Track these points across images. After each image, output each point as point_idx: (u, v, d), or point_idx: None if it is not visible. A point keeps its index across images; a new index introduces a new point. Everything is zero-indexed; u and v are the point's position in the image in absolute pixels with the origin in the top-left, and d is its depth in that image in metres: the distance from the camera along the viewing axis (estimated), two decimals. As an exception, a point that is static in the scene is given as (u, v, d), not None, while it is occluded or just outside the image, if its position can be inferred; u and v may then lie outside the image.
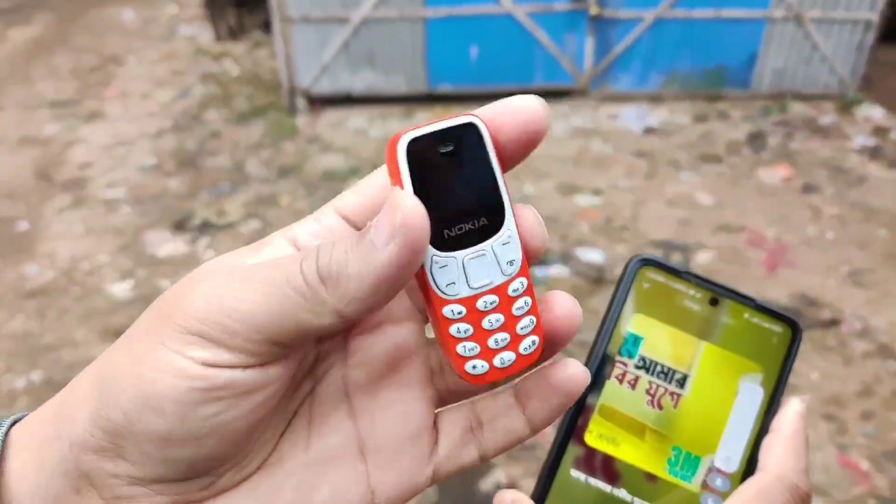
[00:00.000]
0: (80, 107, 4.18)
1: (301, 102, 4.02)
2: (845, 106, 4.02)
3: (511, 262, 0.24)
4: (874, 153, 3.60)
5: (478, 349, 0.24)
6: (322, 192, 3.27)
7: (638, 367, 0.32)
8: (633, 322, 0.33)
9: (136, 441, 0.20)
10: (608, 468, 0.32)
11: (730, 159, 3.56)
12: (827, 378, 2.16)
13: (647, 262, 0.33)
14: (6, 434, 0.23)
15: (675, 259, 2.79)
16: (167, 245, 2.90)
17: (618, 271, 2.72)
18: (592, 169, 3.56)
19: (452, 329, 0.24)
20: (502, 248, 0.24)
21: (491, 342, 0.24)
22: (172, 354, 0.20)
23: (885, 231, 2.96)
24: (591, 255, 2.82)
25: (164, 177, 3.43)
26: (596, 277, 2.67)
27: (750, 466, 0.32)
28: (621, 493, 0.31)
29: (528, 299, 0.25)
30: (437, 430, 0.26)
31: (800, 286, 2.59)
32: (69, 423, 0.21)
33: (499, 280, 0.24)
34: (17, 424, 0.23)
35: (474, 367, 0.24)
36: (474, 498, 1.81)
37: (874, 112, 3.96)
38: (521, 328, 0.25)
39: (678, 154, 3.61)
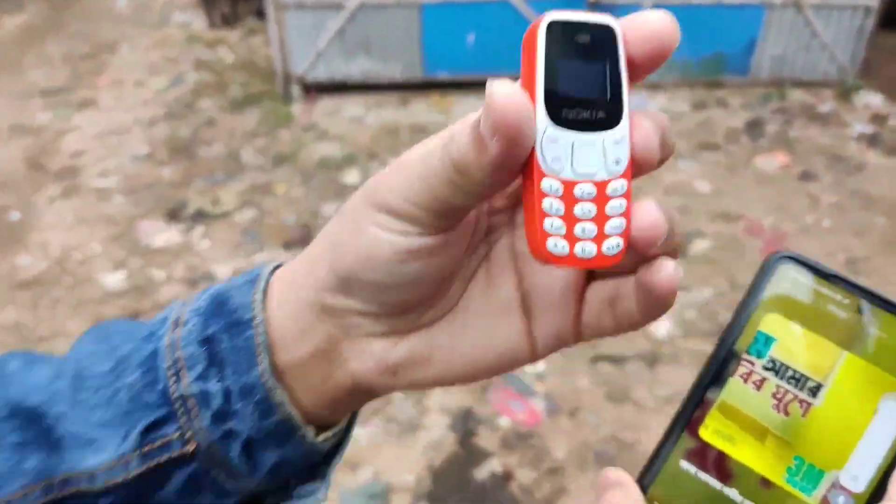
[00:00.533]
0: (72, 95, 4.14)
1: (296, 90, 3.98)
2: (844, 93, 4.00)
3: (617, 162, 0.25)
4: (873, 140, 3.58)
5: (564, 230, 0.25)
6: (318, 180, 3.25)
7: (766, 369, 0.30)
8: (766, 321, 0.30)
9: (360, 287, 0.28)
10: (721, 465, 0.30)
11: (728, 147, 3.54)
12: (824, 366, 2.16)
13: (790, 259, 0.31)
14: (270, 274, 0.32)
15: (673, 247, 2.78)
16: (161, 235, 2.88)
17: (615, 259, 2.71)
18: (590, 157, 3.54)
19: (545, 203, 0.24)
20: (613, 146, 0.25)
21: (577, 229, 0.25)
22: (379, 229, 0.26)
23: (883, 219, 2.95)
24: (588, 244, 2.81)
25: (158, 165, 3.40)
26: (593, 266, 2.66)
27: (879, 491, 0.29)
28: (732, 492, 0.30)
29: (624, 202, 0.25)
30: (584, 296, 0.29)
31: (797, 274, 2.58)
32: (313, 272, 0.29)
33: (602, 175, 0.25)
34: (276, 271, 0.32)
35: (556, 244, 0.25)
36: (469, 486, 1.81)
37: (873, 99, 3.93)
38: (610, 227, 0.25)
39: (677, 142, 3.58)
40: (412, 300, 0.28)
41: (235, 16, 5.09)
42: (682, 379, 2.11)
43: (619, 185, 0.25)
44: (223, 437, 0.29)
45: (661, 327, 2.34)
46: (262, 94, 4.09)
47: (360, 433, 1.96)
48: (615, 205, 0.25)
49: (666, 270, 0.26)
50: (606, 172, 0.24)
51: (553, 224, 0.25)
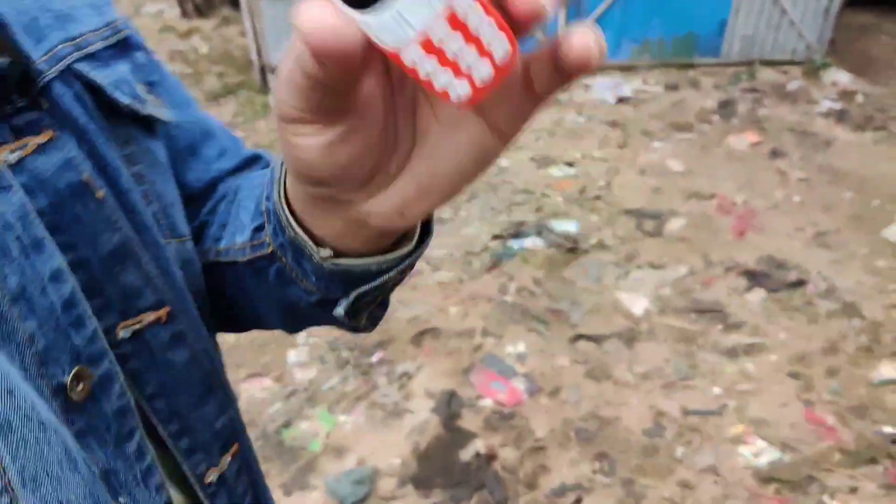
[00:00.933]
0: (43, 90, 4.08)
1: (273, 80, 3.96)
2: (812, 71, 4.07)
3: None
4: (840, 117, 3.66)
5: (452, 74, 0.24)
6: (296, 170, 3.25)
7: None
8: None
9: (315, 181, 0.30)
10: None
11: (700, 127, 3.60)
12: (793, 337, 2.23)
13: None
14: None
15: (648, 227, 2.83)
16: (140, 229, 2.87)
17: (592, 240, 2.76)
18: (566, 140, 3.57)
19: (421, 73, 0.24)
20: None
21: (463, 66, 0.24)
22: (294, 137, 0.28)
23: (850, 193, 3.03)
24: (566, 226, 2.85)
25: (134, 160, 3.38)
26: (570, 247, 2.70)
27: None
28: None
29: (477, 9, 0.23)
30: (529, 71, 0.29)
31: (767, 249, 2.65)
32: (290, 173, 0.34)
33: (438, 7, 0.23)
34: None
35: (456, 93, 0.25)
36: (454, 467, 1.85)
37: (840, 76, 4.01)
38: (488, 41, 0.24)
39: (650, 123, 3.64)
40: (365, 172, 0.30)
41: (209, 5, 5.03)
42: (659, 355, 2.17)
43: (462, 4, 0.23)
44: (280, 246, 0.39)
45: (638, 305, 2.40)
46: (239, 84, 4.06)
47: (344, 420, 2.00)
48: (473, 20, 0.24)
49: (581, 36, 0.25)
50: (442, 4, 0.23)
51: (440, 80, 0.24)
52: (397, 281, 0.40)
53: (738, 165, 3.26)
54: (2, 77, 0.33)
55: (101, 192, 0.36)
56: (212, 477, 0.42)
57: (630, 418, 1.95)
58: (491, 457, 1.86)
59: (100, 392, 0.34)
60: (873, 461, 1.79)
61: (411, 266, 0.39)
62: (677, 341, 2.23)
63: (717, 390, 2.04)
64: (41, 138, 0.34)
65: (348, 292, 0.39)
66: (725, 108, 3.77)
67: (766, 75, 4.06)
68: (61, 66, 0.36)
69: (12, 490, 0.28)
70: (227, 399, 0.44)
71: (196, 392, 0.41)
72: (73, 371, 0.33)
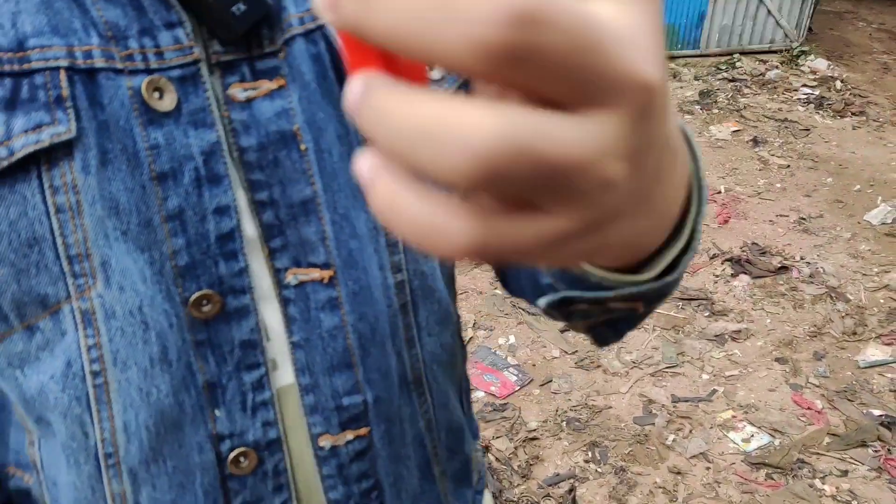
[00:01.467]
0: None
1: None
2: (791, 59, 4.11)
3: None
4: (819, 103, 3.70)
5: None
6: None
7: None
8: None
9: None
10: None
11: (682, 117, 3.62)
12: (779, 322, 2.25)
13: None
14: None
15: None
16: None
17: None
18: (549, 132, 3.58)
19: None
20: None
21: None
22: None
23: (831, 178, 3.07)
24: (552, 218, 2.85)
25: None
26: (557, 239, 2.71)
27: None
28: None
29: None
30: None
31: (751, 236, 2.67)
32: None
33: None
34: None
35: None
36: (447, 461, 1.84)
37: (818, 63, 4.06)
38: None
39: (632, 113, 3.66)
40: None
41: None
42: (647, 343, 2.18)
43: None
44: None
45: (626, 295, 2.40)
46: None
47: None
48: None
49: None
50: None
51: None
52: (630, 310, 0.30)
53: (721, 154, 3.28)
54: (239, 20, 0.34)
55: (305, 146, 0.38)
56: (325, 443, 0.43)
57: (620, 407, 1.95)
58: (485, 448, 1.85)
59: (230, 319, 0.37)
60: (863, 444, 1.80)
61: (647, 298, 0.28)
62: (665, 329, 2.24)
63: (705, 377, 2.05)
64: (273, 84, 0.37)
65: (561, 288, 0.31)
66: (706, 98, 3.79)
67: (746, 65, 4.10)
68: (312, 25, 0.38)
69: (104, 363, 0.35)
70: (369, 384, 0.43)
71: (331, 360, 0.42)
72: (202, 292, 0.36)
